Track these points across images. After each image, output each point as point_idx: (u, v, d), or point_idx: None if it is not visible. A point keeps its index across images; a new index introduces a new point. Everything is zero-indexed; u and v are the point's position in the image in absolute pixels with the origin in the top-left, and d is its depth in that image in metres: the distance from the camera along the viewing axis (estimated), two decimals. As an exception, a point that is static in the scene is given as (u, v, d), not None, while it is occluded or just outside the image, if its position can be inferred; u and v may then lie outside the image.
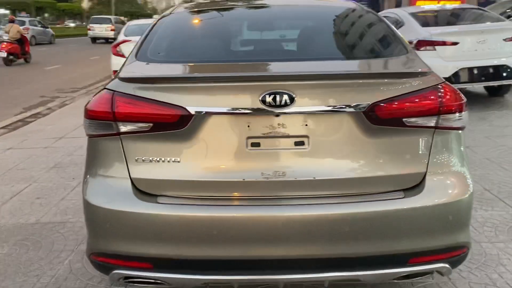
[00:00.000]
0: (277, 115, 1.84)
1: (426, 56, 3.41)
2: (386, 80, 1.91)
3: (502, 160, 4.57)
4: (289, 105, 1.81)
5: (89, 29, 31.95)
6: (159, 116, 1.86)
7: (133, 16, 50.90)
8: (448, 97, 1.92)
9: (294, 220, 1.83)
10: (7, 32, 16.35)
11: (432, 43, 6.56)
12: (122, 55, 9.02)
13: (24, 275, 2.75)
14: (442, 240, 1.90)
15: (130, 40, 9.16)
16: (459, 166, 1.99)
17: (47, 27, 30.59)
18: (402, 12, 7.81)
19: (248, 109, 1.83)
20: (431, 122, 1.90)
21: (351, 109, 1.84)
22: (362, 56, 2.31)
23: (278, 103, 1.80)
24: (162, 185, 1.92)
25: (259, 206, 1.86)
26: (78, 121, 7.06)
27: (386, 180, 1.91)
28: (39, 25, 28.86)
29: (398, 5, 22.86)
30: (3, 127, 6.93)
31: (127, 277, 2.01)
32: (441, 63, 6.33)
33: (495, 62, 6.67)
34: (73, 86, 11.62)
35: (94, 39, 31.24)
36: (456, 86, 2.09)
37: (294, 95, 1.81)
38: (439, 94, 1.91)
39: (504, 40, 6.68)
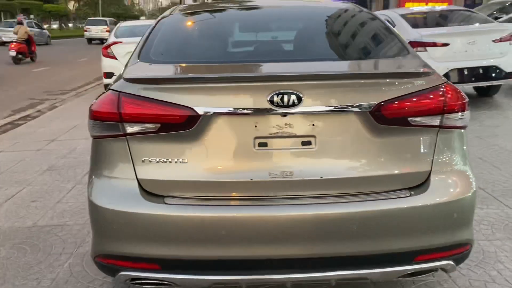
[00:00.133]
0: (285, 115, 1.85)
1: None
2: (391, 80, 1.93)
3: (494, 160, 4.64)
4: (296, 105, 1.83)
5: (86, 31, 33.68)
6: (167, 117, 1.86)
7: (120, 17, 50.52)
8: (451, 96, 1.95)
9: (303, 220, 1.84)
10: (16, 33, 17.26)
11: (423, 44, 6.64)
12: (113, 57, 8.96)
13: (23, 278, 2.72)
14: (447, 237, 1.93)
15: (121, 42, 9.09)
16: (462, 164, 2.03)
17: (44, 29, 32.16)
18: (392, 14, 7.89)
19: (256, 109, 1.84)
20: (436, 121, 1.93)
21: (358, 109, 1.86)
22: (366, 56, 2.34)
23: (286, 103, 1.81)
24: (169, 186, 1.91)
25: (268, 206, 1.87)
26: (70, 123, 7.03)
27: (392, 179, 1.93)
28: (36, 27, 29.74)
29: (386, 6, 23.08)
30: (-8, 130, 6.85)
31: (133, 279, 2.00)
32: (432, 64, 6.35)
33: (485, 63, 6.78)
34: (62, 88, 11.50)
35: (90, 40, 32.61)
36: None
37: (301, 95, 1.82)
38: (443, 93, 1.94)
39: (493, 41, 6.79)
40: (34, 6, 49.44)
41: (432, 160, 1.95)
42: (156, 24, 2.67)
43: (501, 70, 6.81)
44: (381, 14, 8.44)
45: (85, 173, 4.61)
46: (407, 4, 14.97)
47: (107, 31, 30.30)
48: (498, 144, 5.18)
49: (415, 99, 1.90)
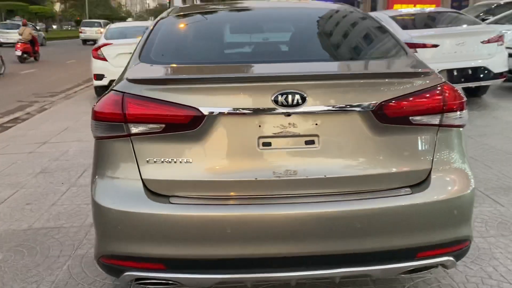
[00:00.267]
0: (288, 114, 1.87)
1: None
2: (393, 80, 1.97)
3: (485, 159, 4.72)
4: (300, 104, 1.85)
5: (81, 32, 35.92)
6: (172, 117, 1.87)
7: (108, 19, 50.25)
8: (450, 96, 2.00)
9: (307, 218, 1.86)
10: (21, 34, 18.44)
11: (413, 46, 6.72)
12: (104, 58, 8.92)
13: (22, 281, 2.70)
14: (447, 234, 1.97)
15: (111, 43, 9.06)
16: (461, 162, 2.07)
17: (39, 30, 34.32)
18: (383, 15, 7.97)
19: (260, 109, 1.86)
20: (435, 120, 1.97)
21: (360, 108, 1.89)
22: (367, 57, 2.38)
23: (290, 103, 1.84)
24: (174, 185, 1.92)
25: (272, 204, 1.89)
26: (60, 125, 6.98)
27: (394, 177, 1.96)
28: (34, 29, 30.92)
29: (373, 8, 23.29)
30: (-18, 133, 6.77)
31: (137, 279, 2.00)
32: (422, 65, 6.48)
33: (473, 64, 6.90)
34: (51, 90, 11.40)
35: (85, 41, 34.27)
36: None
37: (305, 95, 1.84)
38: (443, 93, 1.98)
39: (481, 42, 6.91)
40: (20, 7, 48.91)
41: (432, 158, 1.99)
42: (154, 25, 2.68)
43: (489, 71, 6.94)
44: (371, 15, 8.53)
45: (79, 176, 4.59)
46: (395, 6, 15.13)
47: (100, 32, 31.03)
48: (488, 143, 5.27)
49: (415, 99, 1.94)
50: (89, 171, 4.68)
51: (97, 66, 8.98)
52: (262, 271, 1.92)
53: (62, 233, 3.30)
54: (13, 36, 25.83)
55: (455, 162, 2.05)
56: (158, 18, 2.85)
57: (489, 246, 2.96)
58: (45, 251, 3.05)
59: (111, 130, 1.94)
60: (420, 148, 1.99)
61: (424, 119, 1.96)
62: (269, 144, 1.91)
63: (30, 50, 18.62)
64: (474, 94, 7.85)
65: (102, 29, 31.30)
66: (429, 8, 9.51)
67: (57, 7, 67.09)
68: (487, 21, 10.10)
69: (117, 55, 8.91)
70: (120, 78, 2.19)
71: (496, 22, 9.97)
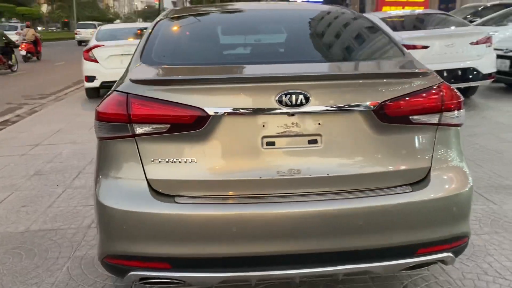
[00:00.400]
0: (292, 114, 1.91)
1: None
2: (393, 80, 2.01)
3: (476, 158, 4.80)
4: (304, 104, 1.88)
5: (76, 33, 37.46)
6: (177, 117, 1.89)
7: (95, 21, 49.98)
8: (448, 95, 2.05)
9: (310, 216, 1.89)
10: (25, 35, 19.65)
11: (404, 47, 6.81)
12: (95, 60, 8.88)
13: (22, 283, 2.69)
14: (446, 230, 2.01)
15: (103, 45, 9.01)
16: (459, 161, 2.12)
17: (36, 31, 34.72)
18: (372, 17, 8.02)
19: (264, 109, 1.89)
20: (434, 119, 2.02)
21: (362, 108, 1.93)
22: (367, 58, 2.42)
23: (294, 102, 1.87)
24: (179, 185, 1.94)
25: (276, 203, 1.91)
26: (52, 127, 6.93)
27: (395, 175, 2.00)
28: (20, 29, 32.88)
29: (361, 10, 23.49)
30: (-28, 136, 6.70)
31: (142, 278, 2.01)
32: (412, 66, 6.58)
33: (462, 65, 7.01)
34: (40, 92, 11.29)
35: (80, 42, 35.20)
36: None
37: (309, 95, 1.88)
38: (441, 92, 2.03)
39: (470, 43, 7.02)
40: (7, 9, 48.35)
41: (432, 156, 2.04)
42: (154, 26, 2.69)
43: (478, 71, 7.06)
44: (362, 17, 8.62)
45: (74, 177, 4.57)
46: (384, 8, 15.29)
47: None
48: (479, 143, 5.36)
49: (415, 98, 1.98)
50: (84, 173, 4.67)
51: (88, 67, 8.93)
52: (266, 268, 1.95)
53: (59, 235, 3.29)
54: (11, 37, 27.30)
55: (454, 160, 2.10)
56: (157, 19, 2.87)
57: (484, 243, 3.02)
58: (44, 253, 3.04)
59: (115, 130, 1.95)
60: (419, 146, 2.03)
61: (424, 118, 2.00)
62: (273, 143, 1.93)
63: (33, 50, 19.82)
64: (463, 94, 7.92)
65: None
66: (418, 10, 9.64)
67: (44, 8, 66.45)
68: (474, 23, 10.27)
69: (109, 57, 8.88)
70: (123, 79, 2.20)
71: (483, 24, 10.15)
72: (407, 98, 1.97)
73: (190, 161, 1.93)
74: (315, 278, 2.52)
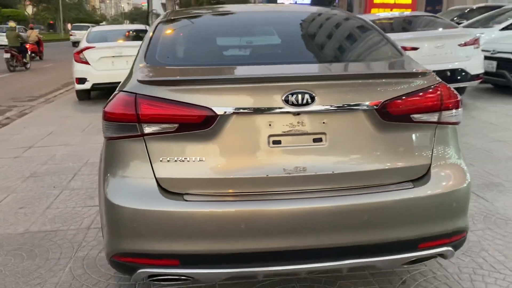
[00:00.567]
0: (298, 113, 1.96)
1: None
2: (395, 80, 2.08)
3: (467, 157, 4.90)
4: (309, 104, 1.93)
5: (71, 35, 38.33)
6: (185, 117, 1.92)
7: (82, 22, 49.64)
8: (447, 94, 2.12)
9: (316, 212, 1.95)
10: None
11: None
12: (86, 62, 8.84)
13: (25, 284, 2.70)
14: (447, 225, 2.08)
15: (94, 47, 8.98)
16: (457, 158, 2.19)
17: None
18: (363, 19, 8.16)
19: (271, 108, 1.94)
20: (434, 117, 2.09)
21: (365, 107, 1.99)
22: (368, 58, 2.49)
23: (300, 102, 1.92)
24: (187, 183, 1.97)
25: (283, 200, 1.96)
26: (44, 130, 6.90)
27: (397, 172, 2.06)
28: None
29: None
30: (-37, 138, 6.63)
31: (151, 275, 2.04)
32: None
33: (451, 66, 7.14)
34: (29, 94, 11.19)
35: (75, 43, 36.00)
36: None
37: (314, 95, 1.93)
38: (440, 92, 2.10)
39: (459, 45, 7.16)
40: (-8, 10, 47.75)
41: (432, 154, 2.11)
42: (155, 28, 2.72)
43: (466, 72, 7.20)
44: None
45: (70, 179, 4.57)
46: (372, 10, 15.47)
47: None
48: (469, 142, 5.47)
49: (416, 97, 2.05)
50: (80, 175, 4.67)
51: (79, 69, 8.89)
52: (274, 264, 1.99)
53: (59, 236, 3.30)
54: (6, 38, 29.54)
55: (452, 157, 2.17)
56: (158, 21, 2.90)
57: (478, 239, 3.11)
58: (45, 254, 3.04)
59: (124, 130, 1.98)
60: (420, 144, 2.10)
61: (424, 116, 2.07)
62: (279, 142, 1.98)
63: (37, 50, 20.95)
64: (452, 95, 8.10)
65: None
66: (407, 12, 9.79)
67: (29, 10, 65.67)
68: (461, 25, 10.46)
69: (100, 59, 8.86)
70: (128, 80, 2.23)
71: (469, 26, 10.34)
72: (408, 97, 2.04)
73: (198, 159, 1.97)
74: (320, 273, 2.58)
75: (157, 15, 37.81)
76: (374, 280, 2.64)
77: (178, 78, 2.08)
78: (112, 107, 2.03)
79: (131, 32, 10.59)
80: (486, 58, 7.80)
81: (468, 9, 13.29)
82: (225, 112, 1.93)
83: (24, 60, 17.15)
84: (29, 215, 3.70)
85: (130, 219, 1.95)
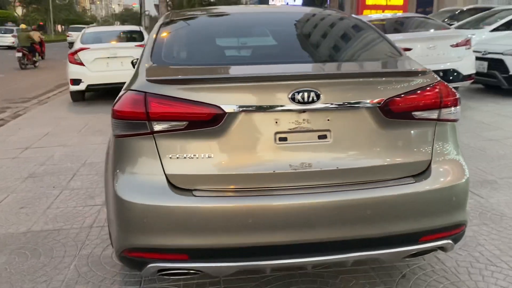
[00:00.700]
0: (303, 111, 2.02)
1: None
2: (397, 78, 2.15)
3: (461, 155, 5.00)
4: (315, 102, 1.99)
5: (68, 36, 38.51)
6: (195, 115, 1.97)
7: (73, 24, 49.45)
8: (446, 93, 2.19)
9: (322, 207, 2.01)
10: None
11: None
12: (81, 63, 8.83)
13: (31, 281, 2.72)
14: (447, 219, 2.15)
15: (89, 48, 8.98)
16: (456, 154, 2.27)
17: None
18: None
19: (277, 106, 1.99)
20: (434, 115, 2.16)
21: (369, 104, 2.06)
22: (370, 58, 2.56)
23: (305, 100, 1.98)
24: (196, 179, 2.02)
25: (290, 195, 2.02)
26: (40, 131, 6.89)
27: (398, 167, 2.13)
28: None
29: (341, 14, 23.73)
30: (-42, 140, 6.60)
31: (160, 270, 2.08)
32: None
33: (443, 66, 7.26)
34: (22, 96, 11.14)
35: (71, 44, 36.54)
36: None
37: (319, 93, 1.99)
38: (439, 90, 2.18)
39: (451, 46, 7.29)
40: (-19, 12, 47.33)
41: (432, 150, 2.18)
42: (159, 29, 2.76)
43: (458, 73, 7.32)
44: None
45: (70, 179, 4.58)
46: (365, 12, 15.61)
47: None
48: (462, 141, 5.57)
49: (417, 95, 2.12)
50: (79, 175, 4.69)
51: (74, 70, 8.88)
52: (281, 257, 2.05)
53: (62, 235, 3.33)
54: (7, 39, 32.80)
55: (452, 153, 2.24)
56: (161, 22, 2.94)
57: (474, 234, 3.19)
58: (49, 252, 3.07)
59: (134, 128, 2.03)
60: (421, 141, 2.17)
61: (424, 114, 2.14)
62: (285, 139, 2.04)
63: (39, 50, 21.20)
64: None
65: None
66: (400, 14, 9.91)
67: (19, 11, 65.13)
68: (452, 26, 10.62)
69: (95, 60, 8.86)
70: (135, 79, 2.27)
71: (460, 27, 10.50)
72: (410, 95, 2.11)
73: (207, 156, 2.02)
74: (323, 267, 2.64)
75: (150, 17, 37.71)
76: (375, 274, 2.71)
77: (187, 77, 2.13)
78: (121, 105, 2.07)
79: (125, 33, 10.60)
80: (477, 58, 7.94)
81: (459, 11, 13.48)
82: (233, 110, 1.98)
83: (34, 58, 18.58)
84: (31, 214, 3.71)
85: (140, 214, 1.99)
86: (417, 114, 2.13)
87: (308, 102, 1.99)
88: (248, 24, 2.98)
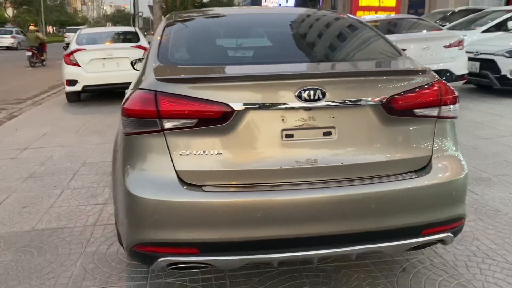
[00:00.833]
0: (309, 109, 2.08)
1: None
2: (399, 77, 2.22)
3: (455, 153, 5.10)
4: (320, 99, 2.06)
5: (65, 37, 39.64)
6: (204, 113, 2.03)
7: (64, 25, 49.23)
8: (445, 91, 2.27)
9: (327, 201, 2.07)
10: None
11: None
12: (76, 64, 8.84)
13: (39, 278, 2.76)
14: (447, 212, 2.23)
15: (85, 49, 8.99)
16: (455, 150, 2.35)
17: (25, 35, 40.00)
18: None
19: (284, 104, 2.06)
20: (434, 112, 2.24)
21: (372, 102, 2.13)
22: (372, 57, 2.63)
23: (312, 98, 2.05)
24: (206, 175, 2.08)
25: (296, 190, 2.08)
26: (38, 131, 6.91)
27: (400, 163, 2.21)
28: (21, 34, 36.18)
29: (334, 15, 23.87)
30: (-45, 141, 6.59)
31: (170, 264, 2.14)
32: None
33: (436, 67, 7.38)
34: (16, 97, 11.11)
35: (68, 44, 37.52)
36: None
37: (325, 91, 2.06)
38: (439, 88, 2.26)
39: (444, 47, 7.41)
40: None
41: (432, 146, 2.25)
42: (163, 30, 2.82)
43: (451, 73, 7.45)
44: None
45: (70, 179, 4.62)
46: (358, 13, 15.74)
47: None
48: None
49: (418, 93, 2.20)
50: (79, 175, 4.72)
51: (70, 71, 8.88)
52: (288, 250, 2.11)
53: (67, 233, 3.36)
54: (6, 40, 34.51)
55: (451, 149, 2.32)
56: (165, 23, 2.99)
57: (470, 229, 3.28)
58: (54, 250, 3.11)
59: (144, 126, 2.08)
60: (422, 137, 2.25)
61: (425, 111, 2.22)
62: (291, 135, 2.11)
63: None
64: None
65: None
66: (393, 15, 10.04)
67: (10, 12, 64.64)
68: (444, 27, 10.77)
69: (91, 61, 8.88)
70: (142, 78, 2.33)
71: (452, 28, 10.65)
72: (411, 93, 2.18)
73: (216, 153, 2.08)
74: (327, 261, 2.70)
75: (143, 18, 37.62)
76: (375, 268, 2.78)
77: (197, 75, 2.18)
78: (132, 104, 2.12)
79: (121, 34, 10.61)
80: (469, 59, 8.08)
81: (450, 12, 13.65)
82: (241, 107, 2.04)
83: (42, 57, 19.92)
84: (34, 213, 3.75)
85: (152, 210, 2.04)
86: (418, 111, 2.20)
87: (313, 100, 2.06)
88: (251, 24, 3.04)
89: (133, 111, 2.11)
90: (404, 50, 7.42)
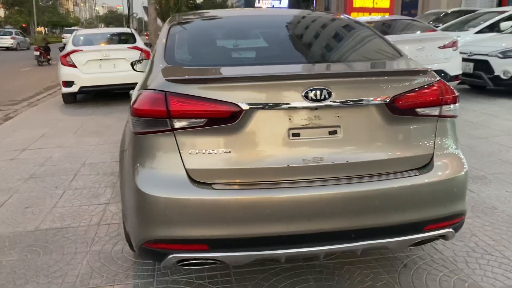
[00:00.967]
0: (315, 108, 2.14)
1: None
2: (402, 77, 2.29)
3: (451, 152, 5.19)
4: (326, 99, 2.12)
5: (63, 38, 40.63)
6: (214, 112, 2.08)
7: (57, 26, 48.99)
8: (446, 90, 2.34)
9: (333, 198, 2.13)
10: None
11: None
12: (73, 65, 8.84)
13: (46, 277, 2.80)
14: (448, 208, 2.30)
15: (81, 50, 9.00)
16: (455, 148, 2.42)
17: (26, 37, 41.01)
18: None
19: (291, 103, 2.11)
20: (436, 111, 2.30)
21: (376, 102, 2.19)
22: (375, 58, 2.70)
23: (318, 97, 2.10)
24: (215, 173, 2.13)
25: (303, 187, 2.14)
26: (36, 132, 6.92)
27: (404, 161, 2.27)
28: (20, 35, 38.62)
29: (328, 16, 23.98)
30: (-48, 142, 6.58)
31: (180, 260, 2.18)
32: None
33: (431, 67, 7.46)
34: (11, 98, 11.08)
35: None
36: None
37: (330, 90, 2.12)
38: (440, 88, 2.33)
39: (439, 47, 7.52)
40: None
41: (434, 144, 2.32)
42: (168, 31, 2.86)
43: (446, 73, 7.56)
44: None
45: (71, 179, 4.64)
46: (352, 14, 15.88)
47: None
48: (452, 139, 5.77)
49: (420, 93, 2.27)
50: (80, 175, 4.75)
51: (66, 72, 8.88)
52: (295, 246, 2.16)
53: (71, 233, 3.39)
54: (5, 41, 35.68)
55: (452, 147, 2.39)
56: (169, 24, 3.03)
57: (468, 226, 3.35)
58: (60, 249, 3.14)
59: (154, 125, 2.12)
60: (424, 135, 2.31)
61: (427, 110, 2.28)
62: (298, 134, 2.16)
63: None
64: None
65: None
66: (387, 16, 10.14)
67: (1, 13, 64.26)
68: (438, 28, 10.89)
69: (87, 62, 8.88)
70: (149, 78, 2.38)
71: (445, 29, 10.79)
72: (414, 93, 2.25)
73: (224, 151, 2.13)
74: (331, 258, 2.76)
75: (138, 19, 37.52)
76: (377, 264, 2.85)
77: (206, 76, 2.23)
78: (142, 104, 2.16)
79: (117, 35, 10.62)
80: (463, 60, 8.19)
81: (443, 13, 13.81)
82: (249, 107, 2.09)
83: (48, 57, 21.33)
84: (37, 213, 3.77)
85: (163, 207, 2.09)
86: (421, 110, 2.27)
87: (320, 100, 2.12)
88: (255, 26, 3.10)
89: (143, 111, 2.15)
90: (399, 51, 7.51)
